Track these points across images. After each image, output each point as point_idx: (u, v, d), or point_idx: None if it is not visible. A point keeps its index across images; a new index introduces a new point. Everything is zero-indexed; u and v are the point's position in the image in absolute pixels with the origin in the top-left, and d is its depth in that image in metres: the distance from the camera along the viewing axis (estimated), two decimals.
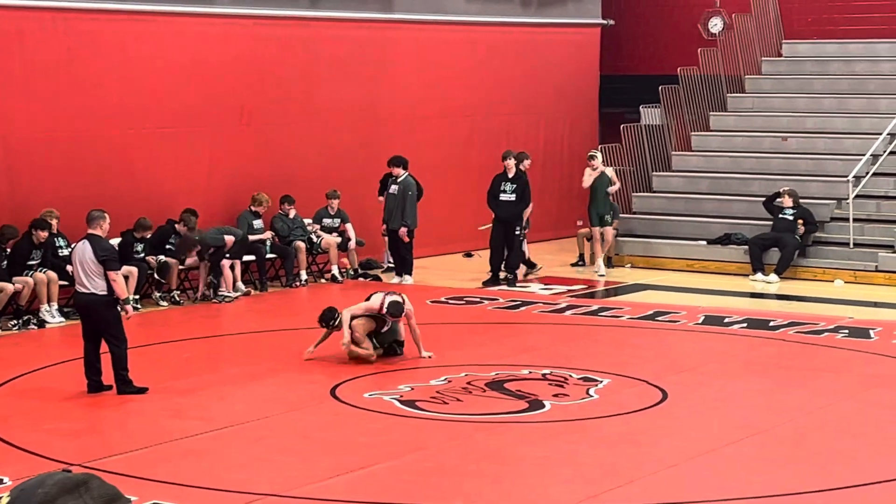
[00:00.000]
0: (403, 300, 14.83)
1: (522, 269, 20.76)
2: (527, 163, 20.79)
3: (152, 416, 12.65)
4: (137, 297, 18.15)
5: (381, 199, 20.70)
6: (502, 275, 20.37)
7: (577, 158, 25.62)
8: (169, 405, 13.03)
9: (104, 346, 13.34)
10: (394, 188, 20.22)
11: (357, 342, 14.70)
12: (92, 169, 18.56)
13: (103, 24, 18.74)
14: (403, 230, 20.06)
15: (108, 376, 13.37)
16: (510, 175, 20.45)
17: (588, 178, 21.47)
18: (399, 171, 20.22)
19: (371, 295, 15.08)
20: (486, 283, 20.20)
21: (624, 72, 27.00)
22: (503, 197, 20.40)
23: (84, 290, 13.26)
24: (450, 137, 23.16)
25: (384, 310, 14.71)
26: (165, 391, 13.48)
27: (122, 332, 13.30)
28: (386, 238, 20.86)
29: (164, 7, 19.32)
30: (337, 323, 14.85)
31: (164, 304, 18.43)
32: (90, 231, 13.38)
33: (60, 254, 17.51)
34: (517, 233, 20.41)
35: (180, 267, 18.71)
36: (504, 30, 24.44)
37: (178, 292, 18.66)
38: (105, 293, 13.15)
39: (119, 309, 13.34)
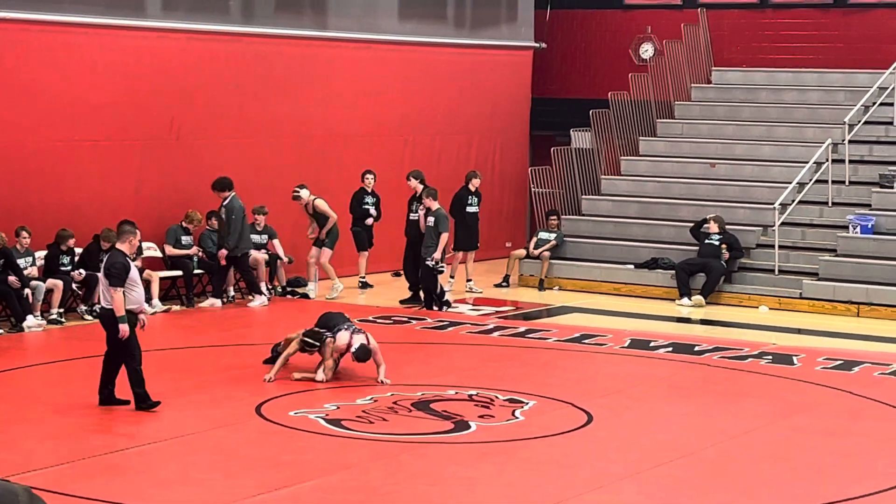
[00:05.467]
0: (368, 340, 14.74)
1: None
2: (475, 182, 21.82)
3: (76, 430, 12.52)
4: (62, 310, 18.01)
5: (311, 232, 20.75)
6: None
7: (507, 180, 25.77)
8: (93, 420, 12.91)
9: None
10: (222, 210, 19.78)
11: (323, 357, 14.67)
12: (18, 180, 18.38)
13: (33, 34, 18.57)
14: (223, 252, 19.75)
15: (121, 391, 13.33)
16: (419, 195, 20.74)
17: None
18: (226, 193, 19.78)
19: (336, 330, 14.82)
20: (403, 302, 20.26)
21: (555, 95, 27.15)
22: (412, 216, 20.61)
23: (103, 303, 13.29)
24: (382, 156, 23.15)
25: (351, 351, 14.67)
26: (89, 406, 13.34)
27: (135, 348, 13.13)
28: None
29: (96, 19, 19.18)
30: (317, 347, 14.70)
31: (90, 317, 18.27)
32: (116, 245, 13.39)
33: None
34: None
35: None
36: (437, 50, 24.49)
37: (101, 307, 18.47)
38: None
39: (137, 324, 13.19)
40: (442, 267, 19.85)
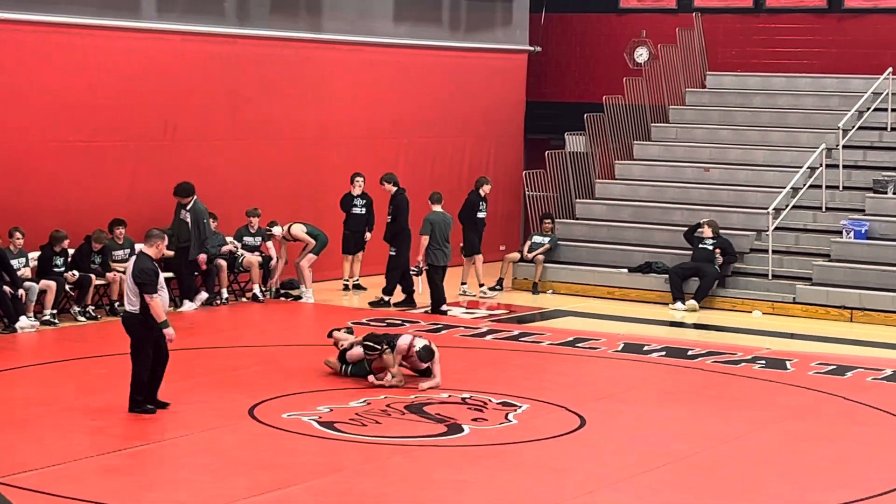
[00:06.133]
0: (431, 344, 14.84)
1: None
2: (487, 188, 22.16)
3: (68, 432, 12.51)
4: (55, 311, 17.99)
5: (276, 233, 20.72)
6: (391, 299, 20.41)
7: (501, 183, 25.73)
8: (85, 422, 12.89)
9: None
10: (185, 214, 19.51)
11: (387, 365, 14.71)
12: (11, 180, 18.35)
13: (27, 35, 18.55)
14: (203, 257, 19.58)
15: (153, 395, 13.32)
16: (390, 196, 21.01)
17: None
18: (190, 198, 19.50)
19: (396, 338, 14.98)
20: (396, 304, 20.31)
21: (550, 98, 27.15)
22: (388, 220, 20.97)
23: (127, 307, 13.22)
24: (376, 159, 23.11)
25: (413, 353, 14.71)
26: (82, 408, 13.33)
27: (147, 355, 13.08)
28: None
29: (90, 20, 19.15)
30: (378, 351, 14.81)
31: (83, 319, 18.25)
32: (143, 248, 13.33)
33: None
34: (393, 253, 20.52)
35: (98, 282, 18.56)
36: (432, 53, 24.48)
37: (93, 308, 18.47)
38: (137, 311, 13.02)
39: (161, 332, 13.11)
40: (416, 270, 19.95)
